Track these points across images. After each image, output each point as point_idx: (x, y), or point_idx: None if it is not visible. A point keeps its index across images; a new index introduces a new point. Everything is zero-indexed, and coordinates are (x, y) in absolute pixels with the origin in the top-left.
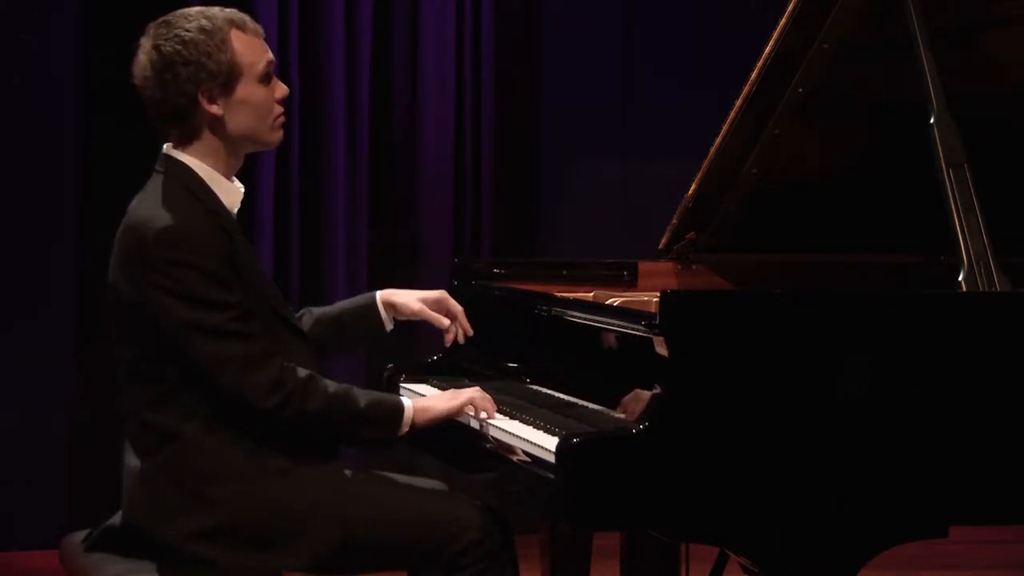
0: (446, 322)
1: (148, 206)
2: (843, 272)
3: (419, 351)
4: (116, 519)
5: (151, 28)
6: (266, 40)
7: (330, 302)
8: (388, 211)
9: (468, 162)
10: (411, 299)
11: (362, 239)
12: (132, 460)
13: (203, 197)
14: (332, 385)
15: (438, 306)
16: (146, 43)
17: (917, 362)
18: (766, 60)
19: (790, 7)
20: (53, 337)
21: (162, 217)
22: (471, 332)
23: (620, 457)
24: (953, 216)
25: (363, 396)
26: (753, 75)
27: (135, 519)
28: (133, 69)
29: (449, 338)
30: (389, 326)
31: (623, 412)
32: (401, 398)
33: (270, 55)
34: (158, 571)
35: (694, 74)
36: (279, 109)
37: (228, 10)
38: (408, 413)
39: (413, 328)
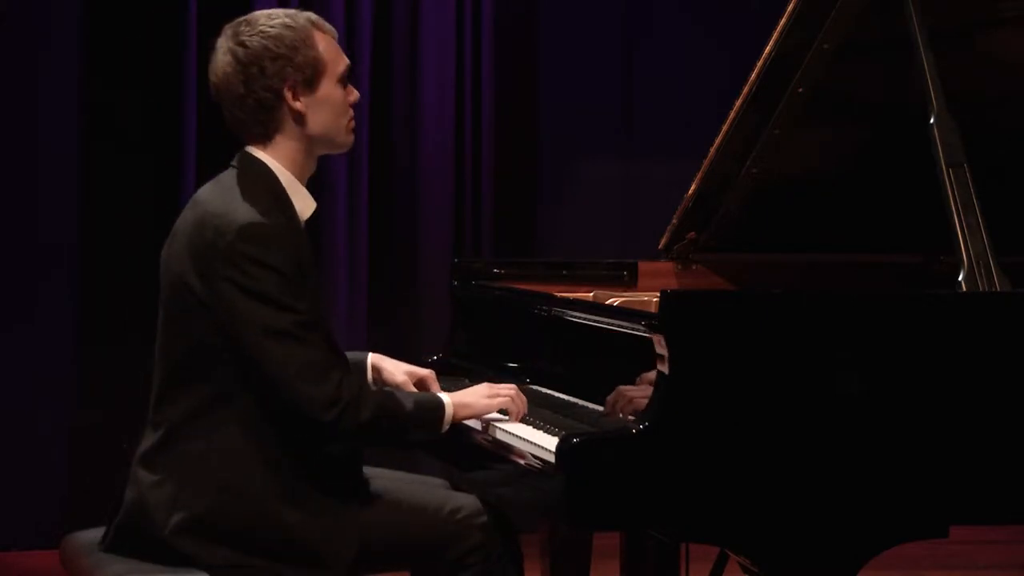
0: None
1: (228, 200)
2: (843, 272)
3: (420, 351)
4: (120, 518)
5: (228, 28)
6: None
7: (330, 304)
8: (388, 211)
9: (468, 162)
10: (398, 371)
11: (362, 239)
12: (149, 463)
13: (281, 201)
14: (377, 393)
15: (422, 385)
16: (226, 42)
17: (917, 362)
18: (766, 60)
19: (790, 7)
20: (53, 337)
21: (244, 213)
22: None
23: (620, 457)
24: (953, 216)
25: (406, 399)
26: (753, 75)
27: (145, 521)
28: (211, 69)
29: None
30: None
31: (622, 411)
32: (439, 395)
33: (347, 58)
34: (171, 572)
35: (694, 73)
36: (352, 112)
37: (307, 12)
38: (449, 411)
39: (414, 328)
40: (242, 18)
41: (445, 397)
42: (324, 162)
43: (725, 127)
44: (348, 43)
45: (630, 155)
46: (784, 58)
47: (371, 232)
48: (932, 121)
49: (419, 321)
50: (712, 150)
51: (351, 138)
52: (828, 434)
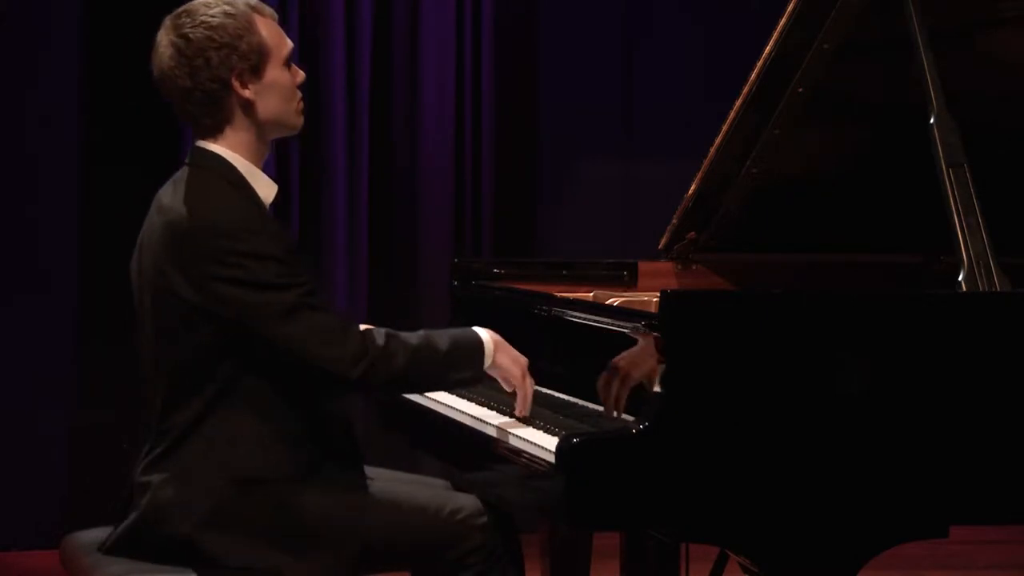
0: None
1: (194, 201)
2: (843, 272)
3: None
4: (132, 520)
5: (168, 20)
6: None
7: (330, 303)
8: (388, 211)
9: (468, 162)
10: None
11: (362, 239)
12: (159, 468)
13: (245, 191)
14: (412, 336)
15: None
16: (167, 35)
17: (917, 362)
18: (766, 60)
19: (790, 7)
20: (53, 336)
21: (216, 211)
22: None
23: (620, 457)
24: (953, 216)
25: (442, 339)
26: (753, 75)
27: (156, 520)
28: (154, 62)
29: None
30: None
31: (621, 411)
32: (476, 331)
33: (289, 40)
34: (172, 572)
35: (694, 74)
36: (299, 94)
37: None
38: (488, 346)
39: (414, 328)
40: (181, 9)
41: (484, 334)
42: (324, 162)
43: (725, 127)
44: (348, 43)
45: (630, 155)
46: (784, 58)
47: (371, 232)
48: (932, 121)
49: (419, 321)
50: (712, 150)
51: (301, 120)
52: (828, 434)
